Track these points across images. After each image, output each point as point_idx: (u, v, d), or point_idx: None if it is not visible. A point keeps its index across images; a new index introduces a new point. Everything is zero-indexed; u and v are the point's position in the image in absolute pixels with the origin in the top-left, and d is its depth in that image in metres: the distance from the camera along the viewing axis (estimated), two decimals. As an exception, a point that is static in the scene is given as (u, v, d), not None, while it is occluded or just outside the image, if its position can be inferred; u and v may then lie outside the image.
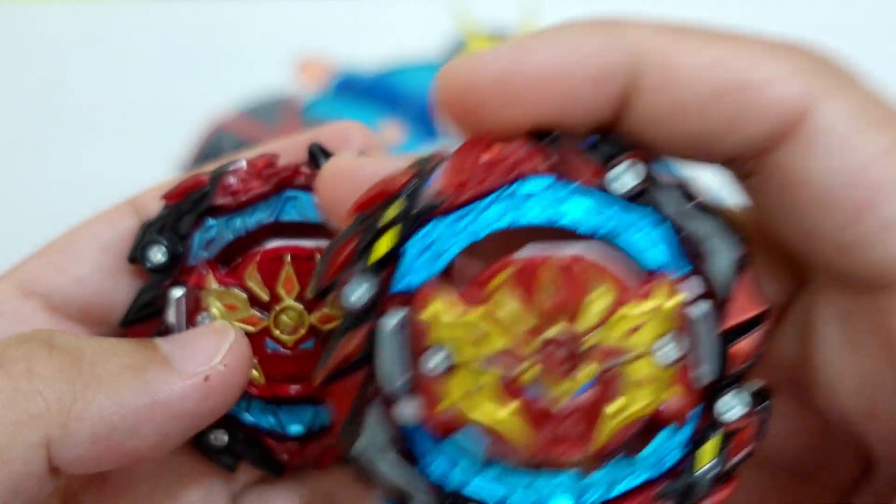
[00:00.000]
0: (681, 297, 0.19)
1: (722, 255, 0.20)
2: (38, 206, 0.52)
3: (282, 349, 0.26)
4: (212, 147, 0.52)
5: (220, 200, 0.26)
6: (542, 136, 0.20)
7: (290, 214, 0.26)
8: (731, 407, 0.20)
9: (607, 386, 0.19)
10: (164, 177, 0.49)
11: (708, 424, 0.20)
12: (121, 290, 0.26)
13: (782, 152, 0.19)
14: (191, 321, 0.26)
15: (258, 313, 0.26)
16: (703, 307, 0.20)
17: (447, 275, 0.20)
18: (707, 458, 0.20)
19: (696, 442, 0.20)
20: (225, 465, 0.27)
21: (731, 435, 0.20)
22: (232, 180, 0.26)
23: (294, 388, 0.26)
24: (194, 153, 0.53)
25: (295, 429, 0.27)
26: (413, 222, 0.20)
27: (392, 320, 0.20)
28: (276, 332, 0.26)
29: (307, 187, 0.26)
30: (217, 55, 0.55)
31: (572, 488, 0.20)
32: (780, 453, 0.24)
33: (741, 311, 0.20)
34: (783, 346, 0.23)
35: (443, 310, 0.19)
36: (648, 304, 0.19)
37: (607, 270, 0.19)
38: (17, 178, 0.54)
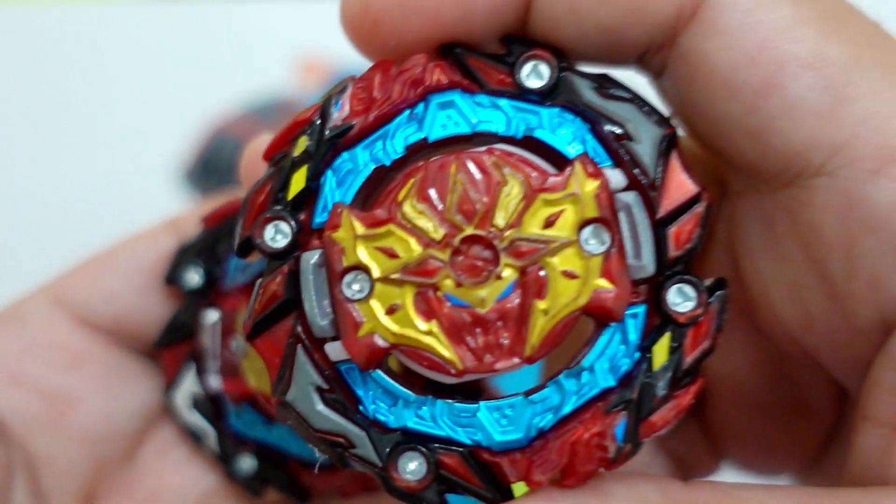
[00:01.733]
0: (599, 181, 0.18)
1: (645, 137, 0.19)
2: (38, 205, 0.51)
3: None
4: (212, 148, 0.52)
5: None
6: (446, 52, 0.19)
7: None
8: (681, 299, 0.18)
9: (533, 283, 0.17)
10: (164, 178, 0.49)
11: (659, 324, 0.18)
12: (154, 310, 0.26)
13: (685, 37, 0.18)
14: (224, 344, 0.26)
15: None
16: (633, 196, 0.18)
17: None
18: (662, 357, 0.18)
19: (649, 343, 0.18)
20: (251, 489, 0.26)
21: (683, 329, 0.18)
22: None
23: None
24: (195, 154, 0.52)
25: (324, 458, 0.23)
26: (324, 152, 0.19)
27: (314, 255, 0.19)
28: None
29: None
30: (217, 56, 0.55)
31: (519, 417, 0.18)
32: (749, 393, 0.23)
33: (674, 193, 0.18)
34: (715, 268, 0.21)
35: (355, 228, 0.18)
36: (566, 191, 0.18)
37: (523, 160, 0.18)
38: (18, 177, 0.54)
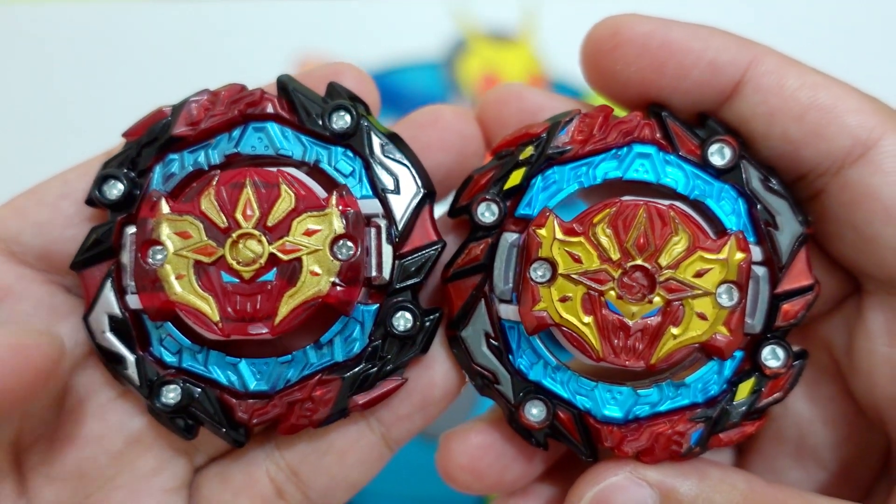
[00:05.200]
0: (746, 255, 0.23)
1: (787, 230, 0.24)
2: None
3: (239, 282, 0.24)
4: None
5: (180, 130, 0.24)
6: (655, 113, 0.25)
7: (256, 147, 0.25)
8: (772, 356, 0.24)
9: (673, 313, 0.23)
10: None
11: (750, 368, 0.24)
12: (82, 238, 0.25)
13: (854, 170, 0.23)
14: (143, 258, 0.24)
15: (213, 242, 0.24)
16: (763, 270, 0.24)
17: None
18: (743, 394, 0.24)
19: (736, 380, 0.24)
20: (181, 429, 0.25)
21: (767, 379, 0.24)
22: (193, 110, 0.25)
23: (255, 329, 0.24)
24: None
25: (257, 385, 0.25)
26: (542, 164, 0.25)
27: (512, 236, 0.25)
28: (233, 263, 0.23)
29: (276, 117, 0.25)
30: (217, 55, 0.55)
31: (625, 402, 0.24)
32: (820, 444, 0.27)
33: (795, 278, 0.24)
34: (833, 336, 0.26)
35: (555, 231, 0.24)
36: (720, 255, 0.23)
37: (693, 221, 0.24)
38: (17, 176, 0.53)
